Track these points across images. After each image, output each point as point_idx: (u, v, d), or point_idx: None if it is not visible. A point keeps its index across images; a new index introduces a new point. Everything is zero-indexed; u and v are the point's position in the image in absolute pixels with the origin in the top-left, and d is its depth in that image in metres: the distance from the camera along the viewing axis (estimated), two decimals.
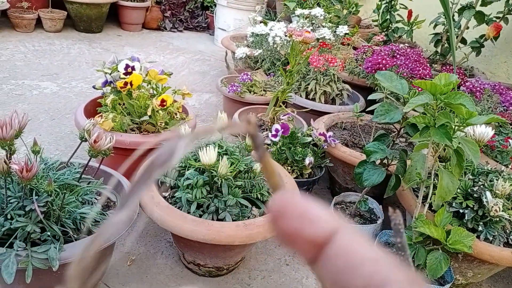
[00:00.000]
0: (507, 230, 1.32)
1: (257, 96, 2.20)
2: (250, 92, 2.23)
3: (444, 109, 1.02)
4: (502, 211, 1.20)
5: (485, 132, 1.30)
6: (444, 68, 2.55)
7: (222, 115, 1.28)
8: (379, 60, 1.92)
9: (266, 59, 2.50)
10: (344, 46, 2.85)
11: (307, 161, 1.59)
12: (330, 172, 1.92)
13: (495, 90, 2.13)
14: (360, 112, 1.87)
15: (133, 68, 1.52)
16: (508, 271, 1.72)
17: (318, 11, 2.47)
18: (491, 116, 0.99)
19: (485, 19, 2.52)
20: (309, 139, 1.66)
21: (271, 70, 2.49)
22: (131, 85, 1.41)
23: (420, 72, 1.84)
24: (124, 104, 1.50)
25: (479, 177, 1.35)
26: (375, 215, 1.62)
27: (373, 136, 1.60)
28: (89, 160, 1.09)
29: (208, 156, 1.16)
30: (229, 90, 2.11)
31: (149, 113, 1.40)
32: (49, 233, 0.97)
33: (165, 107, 1.43)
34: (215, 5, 4.30)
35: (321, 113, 2.05)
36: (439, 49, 2.79)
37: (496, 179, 1.24)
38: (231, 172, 1.25)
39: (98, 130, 1.22)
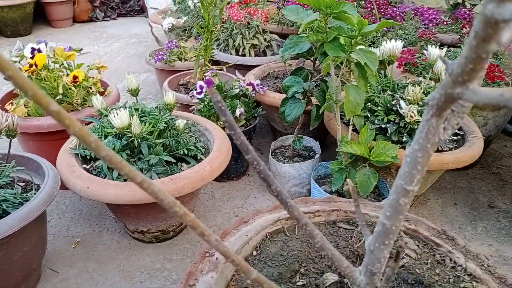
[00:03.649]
0: None
1: (188, 62, 2.16)
2: (181, 60, 2.19)
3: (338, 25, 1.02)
4: (420, 116, 1.23)
5: (394, 45, 1.32)
6: (369, 2, 2.56)
7: (130, 76, 1.25)
8: (297, 2, 1.91)
9: (194, 25, 2.45)
10: (271, 3, 2.82)
11: (237, 113, 1.58)
12: (270, 122, 1.93)
13: (419, 13, 2.16)
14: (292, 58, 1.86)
15: (39, 51, 1.46)
16: (452, 181, 1.78)
17: None
18: (382, 22, 1.00)
19: None
20: (237, 90, 1.65)
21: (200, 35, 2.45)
22: (36, 66, 1.35)
23: None
24: None
25: (398, 91, 1.37)
26: (314, 152, 1.64)
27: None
28: None
29: (119, 118, 1.14)
30: (155, 59, 2.06)
31: (60, 91, 1.35)
32: None
33: (78, 83, 1.39)
34: None
35: (254, 67, 2.03)
36: None
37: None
38: (150, 132, 1.23)
39: (11, 118, 1.17)
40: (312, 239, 0.57)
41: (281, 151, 1.67)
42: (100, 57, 3.26)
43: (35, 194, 1.11)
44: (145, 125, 1.20)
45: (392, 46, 1.32)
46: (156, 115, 1.28)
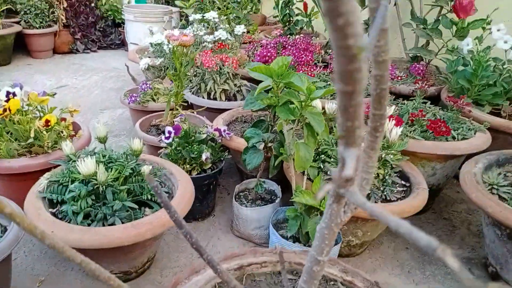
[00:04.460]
0: (381, 188, 1.47)
1: (161, 103, 2.26)
2: (154, 101, 2.28)
3: (289, 89, 1.14)
4: None
5: (331, 107, 1.45)
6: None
7: (99, 125, 1.33)
8: (265, 53, 2.05)
9: (169, 67, 2.56)
10: (246, 45, 2.97)
11: (203, 157, 1.66)
12: (237, 164, 2.02)
13: None
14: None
15: (14, 94, 1.53)
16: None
17: (211, 15, 2.56)
18: (326, 89, 1.12)
19: (366, 3, 2.72)
20: (204, 136, 1.74)
21: None
22: (10, 110, 1.42)
23: (303, 58, 1.99)
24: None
25: None
26: (276, 195, 1.73)
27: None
28: None
29: (86, 166, 1.21)
30: (129, 101, 2.15)
31: (32, 135, 1.42)
32: None
33: (50, 127, 1.46)
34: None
35: (224, 110, 2.14)
36: None
37: None
38: (116, 178, 1.30)
39: None
40: None
41: (244, 194, 1.76)
42: (78, 90, 3.32)
43: (1, 236, 1.16)
44: (111, 171, 1.27)
45: (331, 107, 1.45)
46: (122, 162, 1.35)
